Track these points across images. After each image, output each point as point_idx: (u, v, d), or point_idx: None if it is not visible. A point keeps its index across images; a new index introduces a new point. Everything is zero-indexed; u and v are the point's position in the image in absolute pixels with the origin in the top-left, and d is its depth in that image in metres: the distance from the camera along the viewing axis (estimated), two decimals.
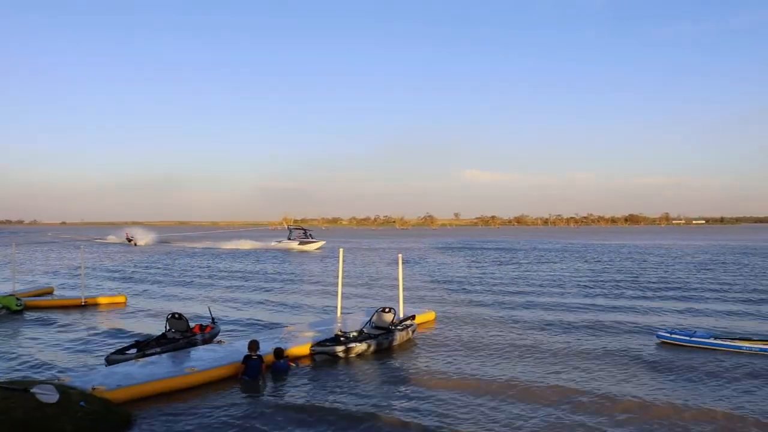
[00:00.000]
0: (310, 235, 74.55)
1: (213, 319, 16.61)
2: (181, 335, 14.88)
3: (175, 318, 15.27)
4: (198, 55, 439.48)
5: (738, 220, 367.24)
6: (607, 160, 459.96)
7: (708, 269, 39.83)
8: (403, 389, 11.56)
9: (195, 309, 21.46)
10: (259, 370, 12.26)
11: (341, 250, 19.79)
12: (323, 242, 76.40)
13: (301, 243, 70.96)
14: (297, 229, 77.13)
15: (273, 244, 73.05)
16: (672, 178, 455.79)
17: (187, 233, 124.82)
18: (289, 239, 72.80)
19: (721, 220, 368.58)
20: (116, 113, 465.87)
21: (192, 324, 15.56)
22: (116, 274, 37.58)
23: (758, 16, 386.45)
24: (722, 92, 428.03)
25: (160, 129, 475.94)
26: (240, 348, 13.26)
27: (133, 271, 39.65)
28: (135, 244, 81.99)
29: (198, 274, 37.93)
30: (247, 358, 12.34)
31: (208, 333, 15.54)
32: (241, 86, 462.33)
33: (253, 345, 12.63)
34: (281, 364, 12.79)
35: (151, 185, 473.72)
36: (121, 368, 12.00)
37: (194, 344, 14.57)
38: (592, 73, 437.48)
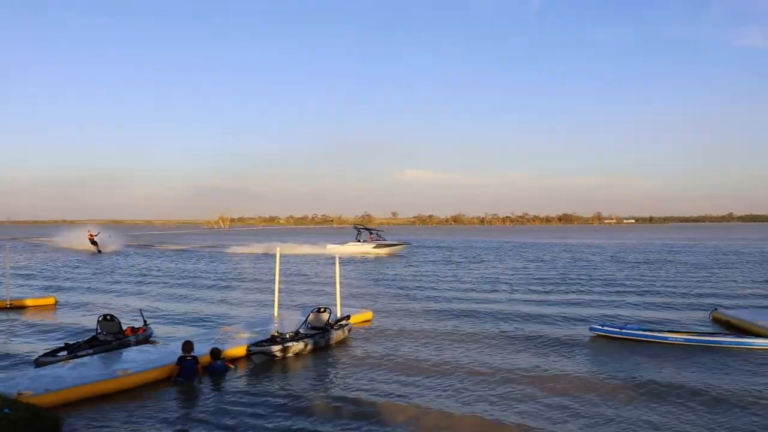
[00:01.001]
0: (378, 235, 60.24)
1: (145, 321, 16.28)
2: (113, 337, 14.54)
3: (107, 320, 14.91)
4: (126, 52, 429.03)
5: (666, 219, 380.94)
6: (541, 160, 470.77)
7: (637, 266, 41.22)
8: (338, 390, 11.63)
9: (127, 311, 20.98)
10: (194, 372, 12.12)
11: (278, 249, 19.68)
12: (407, 244, 61.87)
13: (378, 246, 57.35)
14: (364, 229, 61.70)
15: (329, 247, 58.71)
16: (603, 179, 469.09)
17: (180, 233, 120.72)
18: (359, 241, 58.95)
19: (650, 219, 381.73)
20: (43, 111, 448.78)
21: (123, 326, 15.23)
22: (46, 275, 36.37)
23: (690, 26, 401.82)
24: (652, 95, 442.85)
25: (89, 126, 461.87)
26: (174, 349, 13.06)
27: (63, 272, 38.44)
28: (99, 251, 58.69)
29: (131, 274, 37.06)
30: (181, 359, 12.19)
31: (141, 335, 15.24)
32: (173, 83, 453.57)
33: (188, 346, 12.47)
34: (218, 365, 12.65)
35: (80, 183, 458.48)
36: (49, 371, 11.68)
37: (127, 346, 14.29)
38: (525, 75, 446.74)
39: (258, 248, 61.41)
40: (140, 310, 18.13)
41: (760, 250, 62.32)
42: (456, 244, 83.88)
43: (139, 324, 15.98)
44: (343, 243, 60.00)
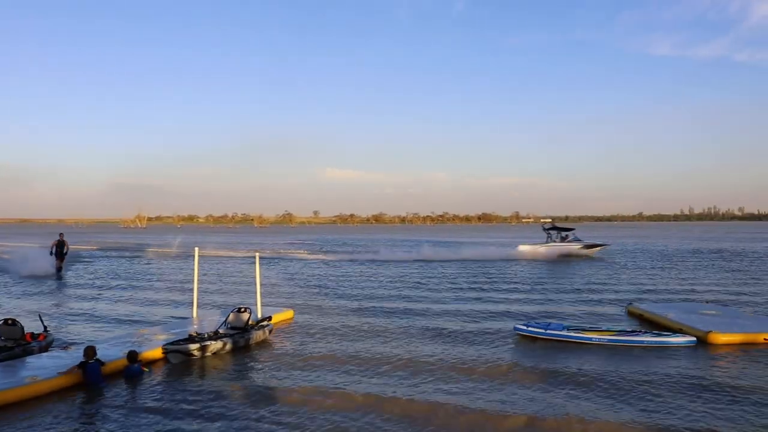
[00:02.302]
0: (566, 236, 52.97)
1: (45, 326, 15.41)
2: (14, 343, 13.74)
3: (8, 324, 14.03)
4: (36, 51, 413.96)
5: (580, 218, 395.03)
6: (459, 160, 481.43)
7: (552, 263, 42.39)
8: (256, 390, 11.48)
9: (27, 315, 19.91)
10: (99, 375, 11.65)
11: (197, 249, 19.23)
12: (608, 245, 54.60)
13: (585, 247, 51.15)
14: (555, 228, 54.22)
15: (522, 248, 51.16)
16: (521, 179, 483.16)
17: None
18: (557, 241, 52.00)
19: (566, 218, 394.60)
20: None
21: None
22: None
23: (600, 32, 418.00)
24: (566, 98, 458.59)
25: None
26: None
27: None
28: (59, 270, 34.87)
29: (35, 276, 35.19)
30: (83, 364, 11.63)
31: (42, 341, 14.34)
32: (88, 80, 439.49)
33: (90, 351, 11.91)
34: (135, 369, 12.28)
35: None
36: None
37: (31, 352, 13.53)
38: (443, 78, 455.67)
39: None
40: (39, 314, 16.92)
41: (666, 247, 65.20)
42: (378, 243, 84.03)
43: (38, 329, 14.99)
44: (548, 242, 52.13)
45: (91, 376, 11.58)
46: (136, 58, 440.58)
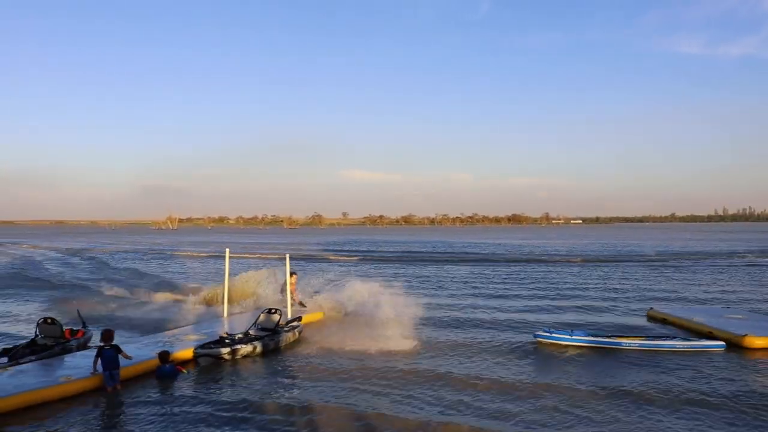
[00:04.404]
0: None
1: (84, 322, 15.68)
2: (54, 341, 13.99)
3: (47, 323, 14.29)
4: (43, 52, 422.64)
5: (611, 219, 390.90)
6: (483, 161, 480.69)
7: (569, 267, 41.93)
8: (287, 393, 11.47)
9: (63, 313, 20.20)
10: (115, 362, 11.44)
11: (227, 249, 19.36)
12: None
13: None
14: None
15: None
16: (548, 180, 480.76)
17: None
18: None
19: (597, 219, 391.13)
20: None
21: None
22: None
23: (624, 31, 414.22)
24: (570, 98, 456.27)
25: (23, 122, 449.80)
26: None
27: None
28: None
29: (73, 275, 35.91)
30: (100, 349, 11.51)
31: (81, 339, 14.63)
32: (89, 77, 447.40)
33: (107, 334, 11.73)
34: (167, 369, 12.35)
35: (19, 181, 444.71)
36: None
37: (69, 351, 13.79)
38: (462, 79, 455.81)
39: None
40: (78, 310, 17.26)
41: (687, 249, 63.95)
42: (407, 244, 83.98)
43: (77, 326, 15.31)
44: None
45: (108, 362, 11.40)
46: (136, 58, 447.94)
